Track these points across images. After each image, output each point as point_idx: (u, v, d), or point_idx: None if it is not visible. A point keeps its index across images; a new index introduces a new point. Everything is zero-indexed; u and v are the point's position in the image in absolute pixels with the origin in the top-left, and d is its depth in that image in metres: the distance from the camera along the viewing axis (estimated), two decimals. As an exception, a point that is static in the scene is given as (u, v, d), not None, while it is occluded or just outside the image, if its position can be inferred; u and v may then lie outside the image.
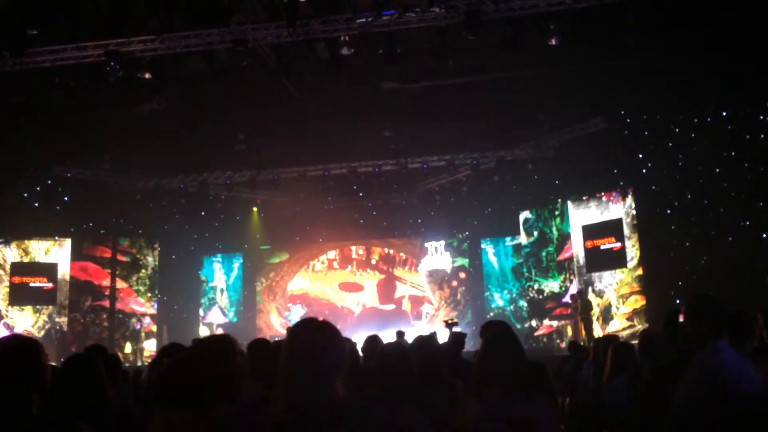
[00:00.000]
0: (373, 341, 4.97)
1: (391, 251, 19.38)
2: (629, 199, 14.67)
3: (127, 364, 14.33)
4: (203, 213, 18.86)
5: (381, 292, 19.20)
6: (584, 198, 15.72)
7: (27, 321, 16.90)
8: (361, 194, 19.10)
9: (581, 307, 13.81)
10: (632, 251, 14.52)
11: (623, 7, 9.29)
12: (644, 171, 13.93)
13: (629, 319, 14.38)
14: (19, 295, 16.93)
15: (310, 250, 20.38)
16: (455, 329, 7.87)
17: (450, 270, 19.28)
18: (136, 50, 10.31)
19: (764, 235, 11.44)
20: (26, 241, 17.22)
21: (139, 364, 16.34)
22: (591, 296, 14.83)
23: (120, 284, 18.04)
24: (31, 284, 17.10)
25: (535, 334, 16.72)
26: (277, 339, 5.24)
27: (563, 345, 15.01)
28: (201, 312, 19.90)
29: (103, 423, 2.76)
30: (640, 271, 14.29)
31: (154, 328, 18.18)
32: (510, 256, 18.63)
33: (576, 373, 6.59)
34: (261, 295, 20.30)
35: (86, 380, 2.98)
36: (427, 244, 19.52)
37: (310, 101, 12.93)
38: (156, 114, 12.85)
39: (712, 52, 10.39)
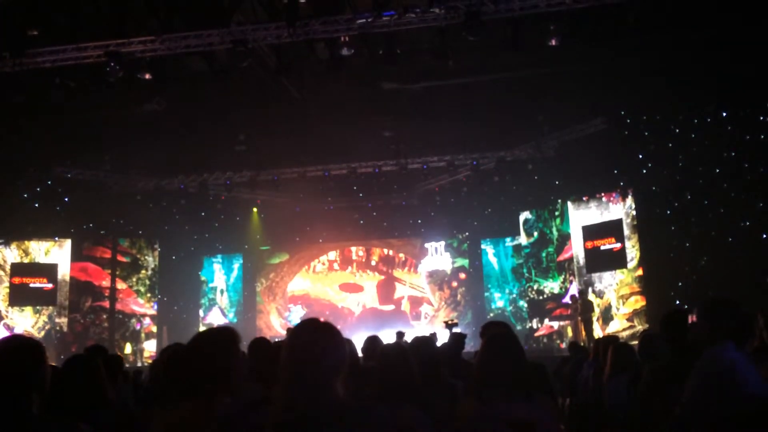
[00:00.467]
0: (372, 342, 4.97)
1: (391, 252, 19.42)
2: (629, 200, 14.66)
3: (127, 365, 14.31)
4: (203, 213, 18.86)
5: (381, 292, 19.27)
6: (584, 198, 15.72)
7: (27, 322, 16.90)
8: (361, 195, 19.10)
9: (581, 308, 13.81)
10: (632, 252, 14.52)
11: (623, 7, 9.29)
12: (644, 171, 13.93)
13: (629, 319, 14.38)
14: (19, 296, 16.93)
15: (310, 251, 20.38)
16: (455, 330, 7.88)
17: (450, 270, 19.28)
18: (136, 51, 10.31)
19: (764, 236, 11.44)
20: (26, 242, 17.22)
21: (139, 364, 16.34)
22: (591, 297, 14.83)
23: (120, 285, 18.04)
24: (31, 285, 17.09)
25: (536, 334, 16.72)
26: (277, 339, 5.24)
27: (563, 345, 15.01)
28: (201, 313, 19.89)
29: (103, 423, 2.76)
30: (640, 272, 14.28)
31: (154, 329, 18.18)
32: (510, 257, 18.63)
33: (576, 373, 6.59)
34: (261, 295, 20.30)
35: (86, 381, 2.98)
36: (427, 245, 19.52)
37: (310, 102, 12.93)
38: (156, 114, 12.86)
39: (712, 52, 10.40)
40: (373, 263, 19.34)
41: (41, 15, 9.89)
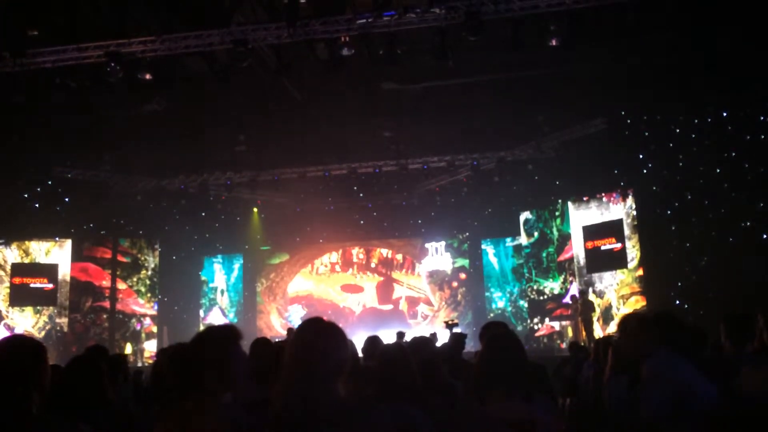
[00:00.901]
0: (373, 342, 4.97)
1: (390, 255, 19.55)
2: (629, 200, 14.66)
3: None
4: (204, 214, 18.86)
5: (380, 293, 19.46)
6: (584, 199, 15.72)
7: (27, 322, 16.91)
8: (361, 195, 19.10)
9: (582, 308, 13.81)
10: (632, 252, 14.51)
11: (623, 7, 9.29)
12: (645, 172, 13.93)
13: (630, 319, 14.35)
14: (20, 296, 16.94)
15: (310, 251, 20.39)
16: (455, 330, 7.88)
17: (450, 271, 19.29)
18: (136, 51, 10.32)
19: (765, 236, 11.43)
20: (27, 242, 17.22)
21: (140, 364, 16.33)
22: (591, 297, 14.83)
23: (120, 285, 18.04)
24: (32, 285, 17.10)
25: (536, 334, 16.72)
26: (277, 340, 5.24)
27: (564, 346, 15.01)
28: (201, 313, 19.90)
29: (103, 423, 2.76)
30: (640, 272, 14.28)
31: (155, 329, 18.18)
32: (510, 257, 18.63)
33: (576, 373, 6.60)
34: (261, 295, 20.31)
35: (87, 381, 2.99)
36: (427, 245, 19.53)
37: (310, 102, 12.94)
38: (156, 115, 12.86)
39: (713, 53, 10.39)
40: (373, 265, 19.53)
41: (41, 15, 9.88)
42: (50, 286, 17.22)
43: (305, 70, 11.50)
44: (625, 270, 14.64)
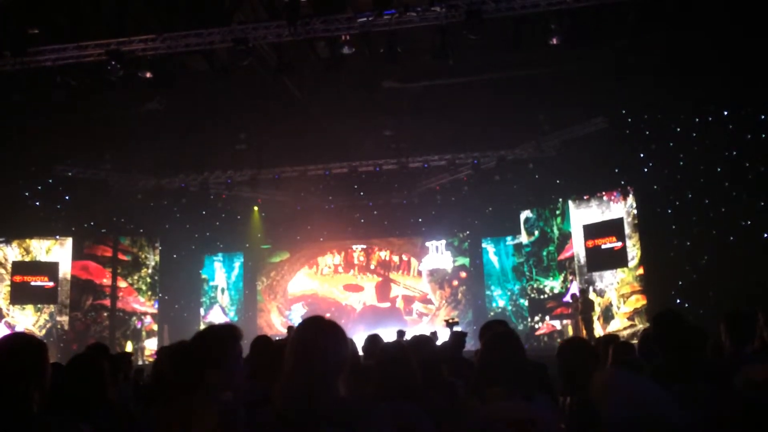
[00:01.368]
0: (373, 341, 4.97)
1: (387, 257, 19.96)
2: (630, 199, 14.66)
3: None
4: (204, 212, 18.86)
5: (379, 292, 19.90)
6: (585, 197, 15.71)
7: (28, 320, 16.92)
8: (361, 193, 19.11)
9: (582, 307, 13.81)
10: (633, 251, 14.51)
11: (624, 6, 9.28)
12: (645, 170, 13.93)
13: (630, 318, 14.38)
14: (21, 294, 16.95)
15: (311, 250, 20.43)
16: (456, 329, 7.88)
17: (451, 269, 19.32)
18: (137, 49, 10.31)
19: (765, 235, 11.43)
20: (27, 240, 17.23)
21: (140, 363, 16.33)
22: (592, 295, 14.83)
23: (121, 283, 18.05)
24: (32, 283, 17.11)
25: (536, 333, 16.73)
26: (277, 338, 5.24)
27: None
28: (202, 311, 19.91)
29: (103, 422, 2.76)
30: (640, 271, 14.28)
31: (155, 327, 18.19)
32: (511, 256, 18.64)
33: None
34: (262, 294, 20.33)
35: (88, 380, 2.99)
36: (427, 244, 19.56)
37: (310, 100, 12.94)
38: (157, 113, 12.86)
39: (714, 52, 10.38)
40: (372, 267, 19.99)
41: (42, 14, 9.89)
42: (51, 284, 17.23)
43: (306, 69, 11.51)
44: (625, 269, 14.65)
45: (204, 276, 20.30)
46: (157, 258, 18.70)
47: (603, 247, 15.18)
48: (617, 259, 14.80)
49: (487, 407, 2.52)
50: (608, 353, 5.01)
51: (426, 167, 17.17)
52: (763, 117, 11.53)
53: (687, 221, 12.69)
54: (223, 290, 20.38)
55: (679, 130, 13.06)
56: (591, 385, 2.93)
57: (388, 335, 8.99)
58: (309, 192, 18.62)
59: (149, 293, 18.42)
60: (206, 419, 2.25)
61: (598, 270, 15.31)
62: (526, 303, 17.54)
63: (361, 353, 4.89)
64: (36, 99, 11.11)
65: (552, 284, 16.56)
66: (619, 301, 14.70)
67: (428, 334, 7.21)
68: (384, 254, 19.95)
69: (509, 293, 18.54)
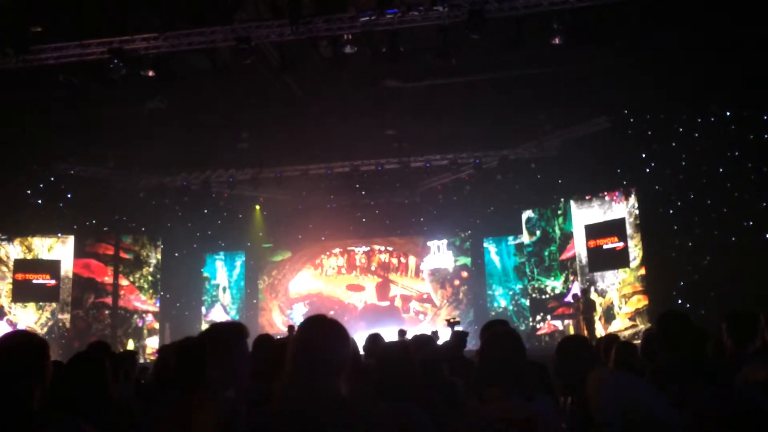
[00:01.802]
0: (374, 340, 4.97)
1: (387, 259, 20.26)
2: (632, 199, 14.64)
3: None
4: (206, 211, 18.88)
5: (378, 292, 20.22)
6: (587, 197, 15.70)
7: (30, 318, 16.95)
8: (363, 193, 19.12)
9: (583, 307, 13.79)
10: (635, 251, 14.50)
11: (627, 6, 9.27)
12: (647, 170, 13.91)
13: (631, 318, 14.37)
14: (22, 292, 16.98)
15: (312, 249, 20.48)
16: (457, 328, 7.88)
17: (452, 269, 19.33)
18: (139, 48, 10.31)
19: (767, 236, 11.41)
20: (29, 238, 17.26)
21: (142, 361, 16.35)
22: (593, 296, 14.82)
23: (122, 281, 18.08)
24: (34, 281, 17.14)
25: (537, 333, 16.72)
26: (279, 337, 5.25)
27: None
28: (203, 310, 19.94)
29: (104, 421, 2.76)
30: (642, 271, 14.27)
31: (157, 326, 18.22)
32: (512, 255, 18.63)
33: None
34: (263, 293, 20.36)
35: (89, 378, 2.99)
36: (429, 243, 19.58)
37: (312, 99, 12.93)
38: (159, 112, 12.86)
39: (716, 52, 10.36)
40: (373, 268, 20.31)
41: (45, 12, 9.90)
42: (53, 282, 17.26)
43: (308, 68, 11.49)
44: (627, 269, 14.63)
45: (205, 274, 20.33)
46: (159, 256, 18.72)
47: (605, 247, 15.16)
48: (619, 260, 14.78)
49: (487, 407, 2.52)
50: (610, 354, 5.01)
51: (428, 167, 17.17)
52: (765, 117, 11.50)
53: (689, 222, 12.67)
54: (224, 289, 20.41)
55: (681, 130, 13.03)
56: (586, 384, 2.94)
57: (388, 332, 9.02)
58: (311, 191, 18.62)
59: (151, 291, 18.45)
60: (207, 417, 2.25)
61: (599, 270, 15.30)
62: (528, 303, 17.53)
63: (362, 352, 4.89)
64: (38, 97, 11.12)
65: (553, 284, 16.55)
66: (620, 301, 14.69)
67: (429, 333, 7.21)
68: (384, 257, 20.28)
69: (511, 293, 18.54)
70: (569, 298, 15.49)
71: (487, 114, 13.56)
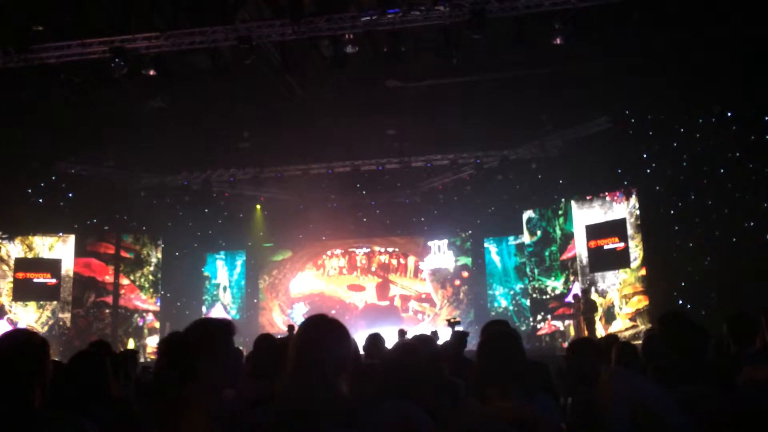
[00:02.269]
0: (374, 339, 4.97)
1: (387, 260, 20.40)
2: (633, 199, 14.63)
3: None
4: (207, 210, 18.88)
5: (378, 292, 20.34)
6: (588, 198, 15.69)
7: (30, 316, 16.96)
8: (364, 192, 19.13)
9: (584, 307, 13.78)
10: (636, 251, 14.49)
11: (628, 6, 9.26)
12: (648, 171, 13.89)
13: (632, 319, 14.36)
14: (23, 291, 16.99)
15: (313, 248, 20.50)
16: (458, 328, 7.88)
17: (453, 269, 19.33)
18: (140, 47, 10.32)
19: (768, 236, 11.40)
20: (30, 237, 17.27)
21: (142, 360, 16.36)
22: (594, 296, 14.81)
23: (123, 281, 18.09)
24: (35, 280, 17.15)
25: (538, 333, 16.71)
26: (279, 336, 5.25)
27: (566, 345, 14.99)
28: (204, 309, 19.94)
29: (105, 419, 2.76)
30: (643, 272, 14.25)
31: (157, 325, 18.22)
32: (513, 256, 18.62)
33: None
34: (264, 292, 20.37)
35: (90, 377, 2.99)
36: (430, 243, 19.58)
37: (313, 99, 12.94)
38: (160, 111, 12.87)
39: (717, 52, 10.35)
40: (373, 269, 20.43)
41: (46, 11, 9.90)
42: (53, 281, 17.27)
43: (309, 68, 11.51)
44: (627, 269, 14.62)
45: (206, 274, 20.34)
46: (160, 255, 18.73)
47: (605, 247, 15.15)
48: (619, 260, 14.77)
49: (487, 407, 2.52)
50: (610, 354, 5.01)
51: (429, 166, 17.18)
52: (766, 118, 11.49)
53: (690, 222, 12.66)
54: (225, 288, 20.42)
55: (682, 130, 13.02)
56: (597, 384, 2.94)
57: (388, 331, 9.01)
58: (311, 191, 18.63)
59: (151, 291, 18.46)
60: (199, 413, 2.24)
61: (600, 270, 15.29)
62: (528, 303, 17.52)
63: (362, 352, 4.89)
64: (39, 96, 11.12)
65: (554, 284, 16.54)
66: (621, 301, 14.68)
67: (429, 333, 7.21)
68: (384, 258, 20.42)
69: (511, 293, 18.53)
70: (570, 299, 15.48)
71: (487, 114, 13.56)
